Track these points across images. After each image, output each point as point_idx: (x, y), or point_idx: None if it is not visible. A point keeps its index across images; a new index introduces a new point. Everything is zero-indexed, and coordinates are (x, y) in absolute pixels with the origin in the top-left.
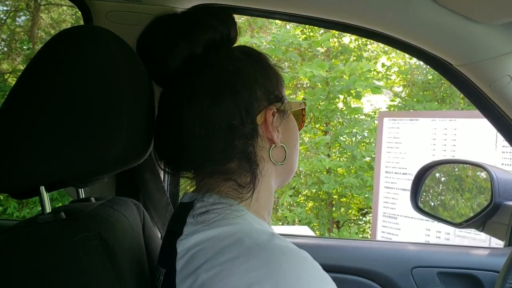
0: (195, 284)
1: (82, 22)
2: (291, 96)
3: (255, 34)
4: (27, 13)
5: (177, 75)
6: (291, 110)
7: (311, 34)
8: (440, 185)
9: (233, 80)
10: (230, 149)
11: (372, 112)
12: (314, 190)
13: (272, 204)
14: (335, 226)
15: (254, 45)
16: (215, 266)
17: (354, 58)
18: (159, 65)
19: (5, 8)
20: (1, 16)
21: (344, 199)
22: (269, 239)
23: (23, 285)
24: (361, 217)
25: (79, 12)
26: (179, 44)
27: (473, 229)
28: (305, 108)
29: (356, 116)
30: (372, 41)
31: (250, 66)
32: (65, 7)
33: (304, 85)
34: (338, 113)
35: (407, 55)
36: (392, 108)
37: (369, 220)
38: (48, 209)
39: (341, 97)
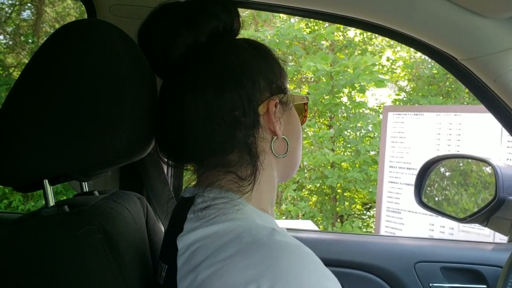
0: (195, 281)
1: (86, 16)
2: (296, 90)
3: (259, 28)
4: (32, 7)
5: (180, 64)
6: (293, 103)
7: (316, 27)
8: (445, 180)
9: (238, 70)
10: (231, 140)
11: (377, 106)
12: (318, 184)
13: (275, 196)
14: (338, 220)
15: (258, 38)
16: (215, 263)
17: (359, 52)
18: (162, 54)
19: (10, 2)
20: (6, 9)
21: (348, 193)
22: (268, 234)
23: (26, 278)
24: (365, 212)
25: (83, 6)
26: (183, 32)
27: (477, 224)
28: (307, 102)
29: (361, 110)
30: (377, 35)
31: (254, 57)
32: (69, 1)
33: (309, 79)
34: (343, 107)
35: (412, 49)
36: (397, 103)
37: (373, 215)
38: (52, 202)
39: (346, 91)
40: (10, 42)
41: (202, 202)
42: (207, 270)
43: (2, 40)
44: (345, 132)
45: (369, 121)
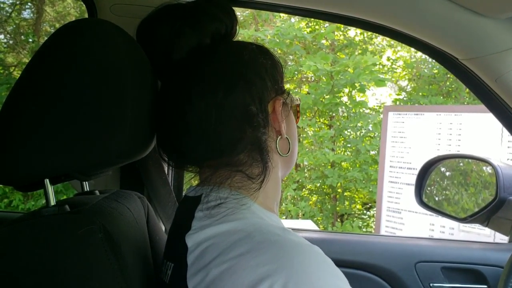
0: (206, 279)
1: (86, 16)
2: (296, 90)
3: (260, 28)
4: (32, 6)
5: (184, 65)
6: (291, 103)
7: (316, 27)
8: (445, 179)
9: (246, 68)
10: (244, 139)
11: (377, 106)
12: (318, 184)
13: (280, 195)
14: (338, 220)
15: (258, 38)
16: (226, 261)
17: (359, 51)
18: (165, 54)
19: (10, 1)
20: (7, 9)
21: (348, 193)
22: (280, 233)
23: (27, 277)
24: (365, 211)
25: (84, 6)
26: (186, 33)
27: (477, 224)
28: (300, 103)
29: (361, 110)
30: (377, 34)
31: (260, 56)
32: (69, 0)
33: (309, 79)
34: (343, 107)
35: (412, 49)
36: (397, 102)
37: (373, 215)
38: (53, 201)
39: (346, 90)
40: (11, 42)
41: (211, 200)
42: (218, 267)
43: (2, 39)
44: (346, 132)
45: (370, 120)
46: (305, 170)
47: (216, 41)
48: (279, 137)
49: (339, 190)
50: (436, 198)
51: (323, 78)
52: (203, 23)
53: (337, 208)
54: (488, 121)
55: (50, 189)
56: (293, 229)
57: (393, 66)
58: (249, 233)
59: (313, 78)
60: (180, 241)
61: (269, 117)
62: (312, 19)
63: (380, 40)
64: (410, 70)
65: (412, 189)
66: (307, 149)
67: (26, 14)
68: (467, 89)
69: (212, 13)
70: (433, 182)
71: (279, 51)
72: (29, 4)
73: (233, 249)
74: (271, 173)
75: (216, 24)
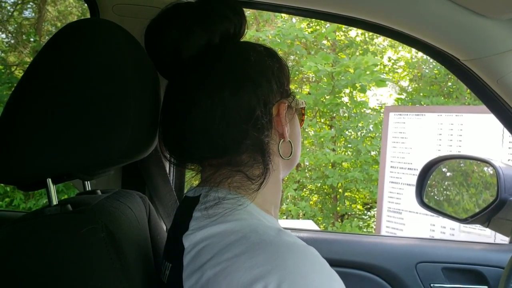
0: (201, 280)
1: (88, 15)
2: (296, 90)
3: (261, 28)
4: (34, 5)
5: (191, 64)
6: (296, 107)
7: (318, 27)
8: (446, 180)
9: (253, 69)
10: (247, 140)
11: (378, 106)
12: (319, 184)
13: (280, 198)
14: (339, 220)
15: (260, 38)
16: (221, 262)
17: (360, 52)
18: (173, 53)
19: (12, 0)
20: (8, 8)
21: (349, 193)
22: (275, 235)
23: (29, 277)
24: (365, 212)
25: (86, 5)
26: (196, 32)
27: (478, 225)
28: (305, 107)
29: (362, 110)
30: (378, 35)
31: (267, 58)
32: (71, 0)
33: (310, 79)
34: (344, 107)
35: (413, 49)
36: (398, 102)
37: (374, 215)
38: (55, 201)
39: (347, 91)
40: (12, 41)
41: (209, 201)
42: (213, 269)
43: (4, 38)
44: (346, 132)
45: (370, 121)
46: (306, 170)
47: (225, 40)
48: (282, 140)
49: (339, 190)
50: (437, 199)
51: (324, 78)
52: (212, 22)
53: (338, 208)
54: (489, 121)
55: (52, 188)
56: (294, 229)
57: (394, 66)
58: (245, 234)
59: (314, 79)
60: (178, 242)
61: (273, 119)
62: (313, 19)
63: (381, 40)
64: (411, 70)
65: (413, 189)
66: (308, 149)
67: (28, 13)
68: (468, 90)
69: (221, 13)
70: (434, 182)
71: (280, 52)
72: (30, 3)
73: (229, 250)
74: (271, 175)
75: (225, 23)
